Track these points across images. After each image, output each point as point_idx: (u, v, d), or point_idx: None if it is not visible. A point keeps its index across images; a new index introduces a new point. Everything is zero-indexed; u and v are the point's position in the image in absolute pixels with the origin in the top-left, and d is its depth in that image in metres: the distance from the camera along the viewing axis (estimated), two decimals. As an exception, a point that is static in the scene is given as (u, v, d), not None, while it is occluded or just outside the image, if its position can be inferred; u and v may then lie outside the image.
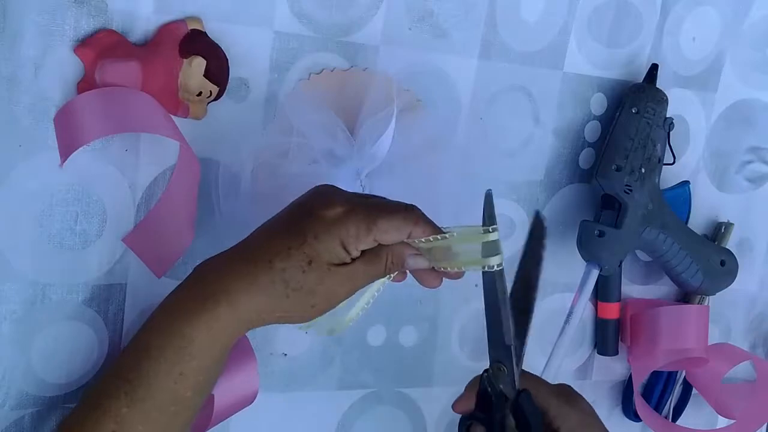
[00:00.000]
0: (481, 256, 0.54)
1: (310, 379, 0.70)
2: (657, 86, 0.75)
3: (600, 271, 0.74)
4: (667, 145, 0.75)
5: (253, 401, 0.64)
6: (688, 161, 0.82)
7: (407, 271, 0.57)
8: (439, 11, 0.68)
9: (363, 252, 0.53)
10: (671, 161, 0.76)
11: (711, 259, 0.79)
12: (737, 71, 0.82)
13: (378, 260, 0.54)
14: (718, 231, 0.85)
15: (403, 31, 0.67)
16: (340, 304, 0.55)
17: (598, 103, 0.76)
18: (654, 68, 0.76)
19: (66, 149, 0.55)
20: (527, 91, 0.73)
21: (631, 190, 0.73)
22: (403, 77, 0.68)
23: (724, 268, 0.80)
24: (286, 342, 0.68)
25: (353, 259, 0.53)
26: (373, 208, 0.53)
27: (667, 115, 0.75)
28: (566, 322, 0.75)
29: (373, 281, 0.56)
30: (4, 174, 0.56)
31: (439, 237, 0.54)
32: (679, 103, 0.80)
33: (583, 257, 0.75)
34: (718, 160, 0.84)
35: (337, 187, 0.55)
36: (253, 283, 0.51)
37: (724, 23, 0.80)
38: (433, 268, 0.56)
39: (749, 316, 0.89)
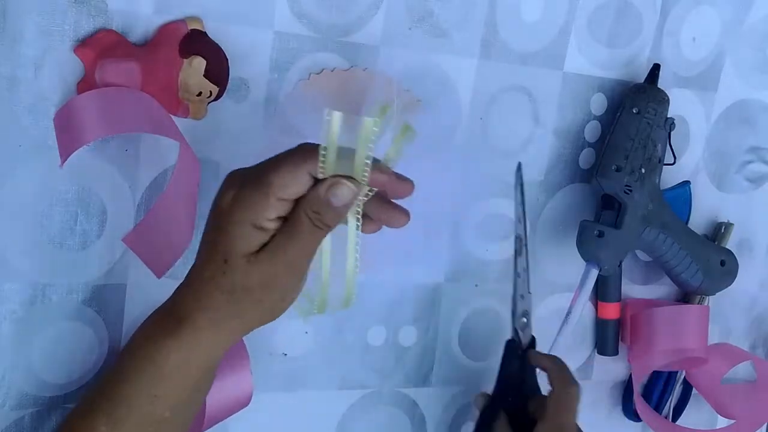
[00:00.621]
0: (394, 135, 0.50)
1: (310, 379, 0.70)
2: (658, 86, 0.75)
3: (600, 271, 0.74)
4: (668, 145, 0.75)
5: (247, 404, 0.64)
6: (688, 161, 0.82)
7: (377, 220, 0.53)
8: (439, 11, 0.68)
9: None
10: (672, 161, 0.76)
11: (711, 259, 0.79)
12: (737, 71, 0.82)
13: (296, 220, 0.49)
14: (718, 231, 0.84)
15: (403, 31, 0.67)
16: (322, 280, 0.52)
17: (598, 103, 0.76)
18: (656, 68, 0.76)
19: (66, 149, 0.55)
20: (527, 91, 0.73)
21: (631, 191, 0.72)
22: (403, 77, 0.68)
23: (724, 268, 0.80)
24: (286, 342, 0.68)
25: (273, 237, 0.49)
26: (262, 170, 0.49)
27: (668, 116, 0.75)
28: (564, 321, 0.75)
29: (313, 244, 0.50)
30: (4, 174, 0.56)
31: (322, 152, 0.48)
32: (679, 103, 0.80)
33: (582, 257, 0.75)
34: (718, 160, 0.84)
35: (238, 170, 0.51)
36: (200, 301, 0.51)
37: (724, 23, 0.80)
38: (370, 192, 0.50)
39: (749, 316, 0.89)
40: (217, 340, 0.52)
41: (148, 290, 0.62)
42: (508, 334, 0.70)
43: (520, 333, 0.70)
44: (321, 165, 0.49)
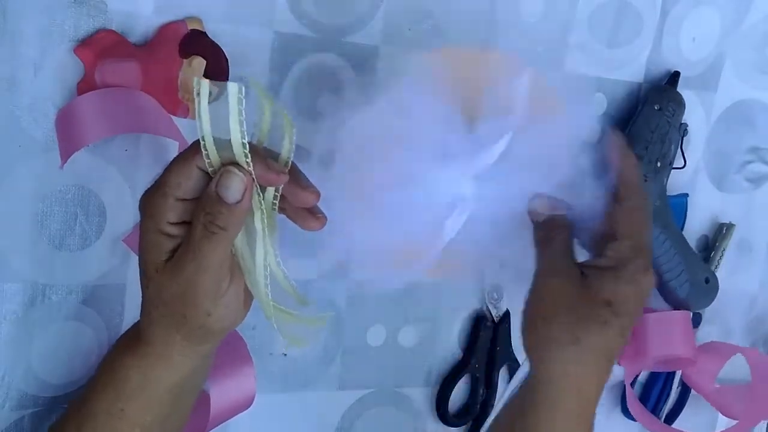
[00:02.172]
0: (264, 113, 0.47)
1: (310, 379, 0.70)
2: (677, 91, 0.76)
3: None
4: (680, 148, 0.76)
5: (250, 406, 0.64)
6: (688, 161, 0.82)
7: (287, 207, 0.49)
8: (439, 11, 0.68)
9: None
10: (681, 165, 0.77)
11: (698, 273, 0.79)
12: (737, 71, 0.82)
13: (191, 228, 0.46)
14: (720, 231, 0.84)
15: (403, 32, 0.67)
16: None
17: (598, 103, 0.76)
18: (676, 75, 0.77)
19: (67, 150, 0.55)
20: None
21: (646, 180, 0.73)
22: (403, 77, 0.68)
23: (708, 286, 0.80)
24: (285, 342, 0.68)
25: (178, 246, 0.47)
26: (159, 178, 0.47)
27: (683, 121, 0.76)
28: None
29: (212, 254, 0.46)
30: (4, 174, 0.56)
31: (202, 145, 0.45)
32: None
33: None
34: (718, 160, 0.84)
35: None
36: (145, 318, 0.50)
37: (723, 23, 0.80)
38: (276, 193, 0.48)
39: (749, 316, 0.89)
40: (173, 358, 0.50)
41: (148, 290, 0.62)
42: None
43: (491, 307, 0.74)
44: (205, 153, 0.45)
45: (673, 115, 0.75)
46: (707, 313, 0.85)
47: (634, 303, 0.55)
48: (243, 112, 0.44)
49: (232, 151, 0.45)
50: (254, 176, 0.46)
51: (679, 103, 0.76)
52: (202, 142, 0.45)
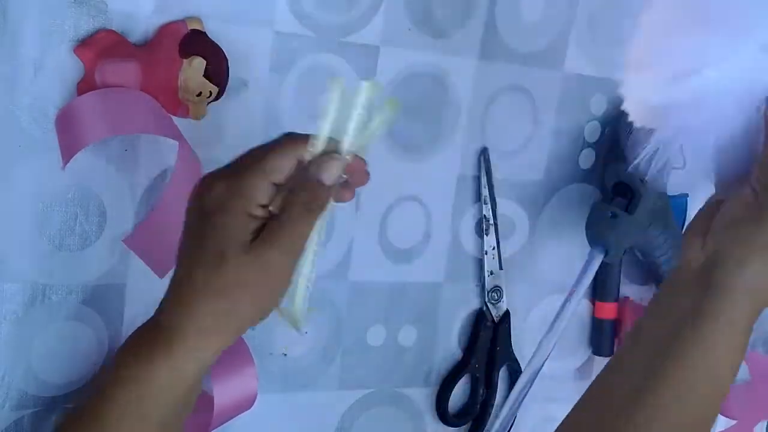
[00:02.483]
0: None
1: (310, 379, 0.70)
2: None
3: (605, 256, 0.73)
4: (681, 149, 0.75)
5: (251, 406, 0.64)
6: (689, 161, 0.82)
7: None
8: (439, 11, 0.68)
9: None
10: (681, 165, 0.76)
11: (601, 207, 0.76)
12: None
13: (289, 205, 0.48)
14: (719, 231, 0.84)
15: (403, 32, 0.67)
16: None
17: (598, 103, 0.76)
18: None
19: (68, 151, 0.55)
20: (527, 91, 0.73)
21: (643, 181, 0.73)
22: (403, 78, 0.68)
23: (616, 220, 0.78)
24: (286, 342, 0.68)
25: (264, 225, 0.48)
26: (252, 158, 0.49)
27: None
28: (563, 307, 0.73)
29: (307, 225, 0.49)
30: (3, 174, 0.56)
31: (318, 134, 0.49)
32: (679, 103, 0.80)
33: (590, 240, 0.74)
34: (718, 160, 0.84)
35: (211, 173, 0.50)
36: (191, 310, 0.49)
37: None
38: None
39: (749, 316, 0.89)
40: (207, 350, 0.50)
41: (148, 290, 0.62)
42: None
43: (491, 307, 0.74)
44: (315, 143, 0.49)
45: None
46: (707, 313, 0.85)
47: None
48: (363, 114, 0.50)
49: (336, 144, 0.50)
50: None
51: None
52: (318, 133, 0.49)
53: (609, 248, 0.73)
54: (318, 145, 0.50)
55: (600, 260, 0.74)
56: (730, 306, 0.52)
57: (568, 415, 0.55)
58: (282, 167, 0.49)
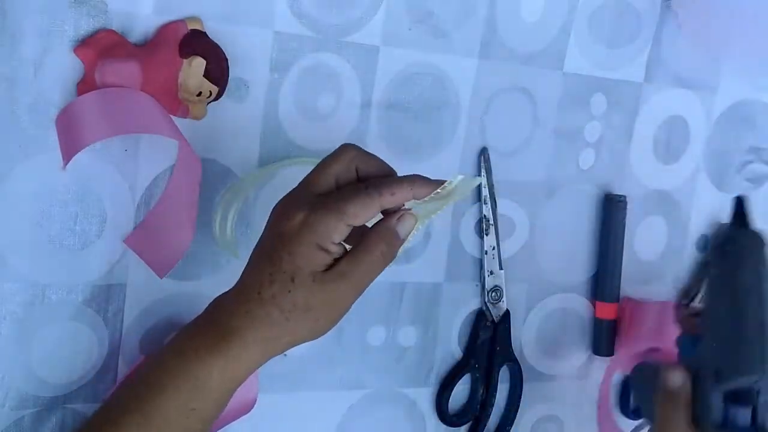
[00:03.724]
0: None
1: (310, 379, 0.70)
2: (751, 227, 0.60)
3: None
4: None
5: (251, 409, 0.64)
6: (688, 161, 0.82)
7: None
8: (439, 11, 0.68)
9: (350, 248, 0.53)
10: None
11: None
12: (737, 71, 0.82)
13: (370, 248, 0.52)
14: (719, 231, 0.84)
15: (403, 32, 0.67)
16: None
17: (598, 103, 0.76)
18: (740, 205, 0.61)
19: (68, 151, 0.55)
20: (527, 91, 0.73)
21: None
22: (403, 77, 0.68)
23: None
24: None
25: (339, 259, 0.52)
26: (335, 198, 0.52)
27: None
28: None
29: (379, 269, 0.53)
30: (4, 174, 0.56)
31: (431, 195, 0.52)
32: (679, 103, 0.80)
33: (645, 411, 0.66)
34: (718, 160, 0.84)
35: (293, 197, 0.53)
36: (255, 319, 0.51)
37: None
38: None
39: (749, 316, 0.89)
40: (261, 357, 0.53)
41: (148, 290, 0.62)
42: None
43: (491, 307, 0.74)
44: (417, 207, 0.53)
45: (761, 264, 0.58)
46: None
47: None
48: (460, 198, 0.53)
49: (427, 209, 0.53)
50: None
51: (758, 243, 0.58)
52: (431, 197, 0.52)
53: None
54: (416, 209, 0.53)
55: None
56: None
57: None
58: (362, 214, 0.51)
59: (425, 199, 0.52)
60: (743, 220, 0.60)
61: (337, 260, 0.52)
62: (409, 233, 0.54)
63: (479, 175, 0.72)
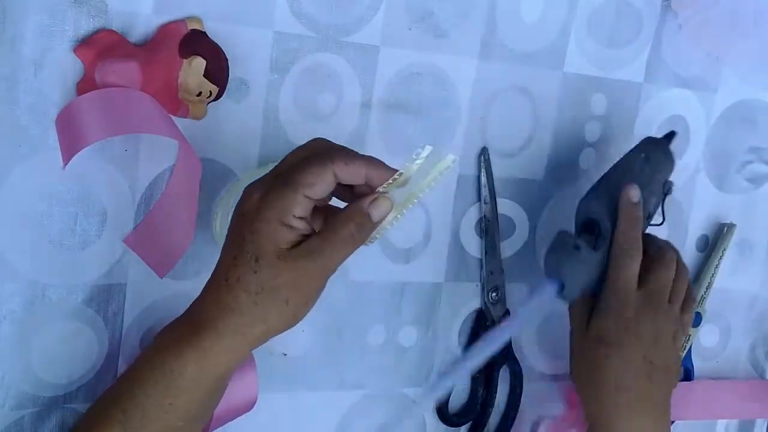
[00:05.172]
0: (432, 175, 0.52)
1: (310, 379, 0.70)
2: (670, 150, 0.73)
3: (559, 291, 0.67)
4: (661, 206, 0.72)
5: (251, 408, 0.64)
6: (688, 161, 0.82)
7: None
8: (439, 11, 0.68)
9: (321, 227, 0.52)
10: (659, 222, 0.73)
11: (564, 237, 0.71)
12: (737, 71, 0.82)
13: (338, 226, 0.51)
14: (720, 231, 0.85)
15: (403, 31, 0.67)
16: None
17: (598, 103, 0.76)
18: (672, 134, 0.74)
19: (68, 151, 0.55)
20: (527, 91, 0.73)
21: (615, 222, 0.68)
22: (403, 77, 0.68)
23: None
24: (285, 342, 0.68)
25: (307, 236, 0.50)
26: (288, 170, 0.51)
27: (670, 179, 0.72)
28: (497, 331, 0.66)
29: (348, 250, 0.51)
30: (3, 174, 0.56)
31: (395, 177, 0.51)
32: (679, 103, 0.80)
33: (546, 270, 0.68)
34: (718, 160, 0.84)
35: (256, 180, 0.52)
36: (224, 307, 0.51)
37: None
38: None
39: (749, 316, 0.89)
40: (237, 348, 0.52)
41: (148, 290, 0.62)
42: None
43: (491, 307, 0.74)
44: (389, 184, 0.51)
45: (658, 167, 0.71)
46: (707, 313, 0.85)
47: (617, 332, 0.67)
48: (439, 180, 0.52)
49: (401, 195, 0.52)
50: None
51: (668, 159, 0.72)
52: (398, 174, 0.51)
53: (566, 282, 0.66)
54: (387, 187, 0.51)
55: (551, 294, 0.67)
56: None
57: None
58: (317, 182, 0.50)
59: (386, 185, 0.51)
60: (670, 140, 0.74)
61: (305, 239, 0.50)
62: (383, 217, 0.52)
63: (479, 174, 0.72)
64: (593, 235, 0.69)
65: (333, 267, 0.51)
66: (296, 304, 0.51)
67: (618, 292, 0.67)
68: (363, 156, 0.51)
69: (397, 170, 0.51)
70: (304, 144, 0.53)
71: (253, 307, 0.50)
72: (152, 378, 0.52)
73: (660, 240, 0.71)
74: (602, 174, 0.71)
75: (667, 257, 0.69)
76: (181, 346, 0.51)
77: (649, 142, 0.73)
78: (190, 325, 0.52)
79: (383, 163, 0.51)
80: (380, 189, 0.51)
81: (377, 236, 0.53)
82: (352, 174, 0.50)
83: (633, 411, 0.66)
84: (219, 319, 0.51)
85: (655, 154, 0.71)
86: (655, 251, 0.69)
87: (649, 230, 0.71)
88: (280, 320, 0.52)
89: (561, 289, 0.66)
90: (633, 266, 0.67)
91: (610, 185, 0.70)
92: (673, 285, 0.69)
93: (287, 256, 0.50)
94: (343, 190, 0.52)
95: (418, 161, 0.51)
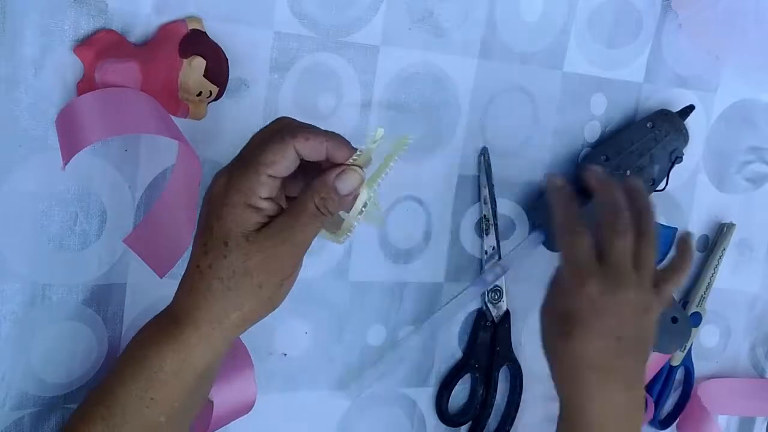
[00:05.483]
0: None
1: (310, 379, 0.70)
2: (684, 124, 0.76)
3: (545, 242, 0.72)
4: (667, 174, 0.75)
5: (250, 410, 0.64)
6: (688, 161, 0.82)
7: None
8: (439, 11, 0.68)
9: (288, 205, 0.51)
10: (662, 188, 0.75)
11: (664, 312, 0.70)
12: (737, 71, 0.82)
13: (302, 203, 0.50)
14: (720, 231, 0.85)
15: (403, 31, 0.67)
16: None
17: (598, 103, 0.76)
18: (690, 108, 0.77)
19: (68, 151, 0.55)
20: (527, 91, 0.73)
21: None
22: (403, 77, 0.68)
23: (675, 326, 0.77)
24: (285, 342, 0.68)
25: (273, 217, 0.50)
26: (249, 151, 0.50)
27: (681, 153, 0.75)
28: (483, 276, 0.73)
29: (315, 225, 0.51)
30: (3, 174, 0.56)
31: (355, 157, 0.50)
32: (680, 103, 0.80)
33: (531, 217, 0.75)
34: (718, 160, 0.84)
35: (223, 168, 0.52)
36: (198, 296, 0.50)
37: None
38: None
39: (749, 316, 0.89)
40: (215, 337, 0.51)
41: (148, 290, 0.62)
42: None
43: (491, 307, 0.74)
44: (354, 159, 0.51)
45: (665, 136, 0.75)
46: (707, 313, 0.85)
47: (579, 310, 0.62)
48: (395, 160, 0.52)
49: (367, 158, 0.52)
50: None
51: (678, 130, 0.75)
52: (358, 154, 0.51)
53: (549, 232, 0.70)
54: (352, 160, 0.51)
55: (536, 241, 0.72)
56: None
57: None
58: (278, 161, 0.49)
59: (351, 161, 0.51)
60: (685, 116, 0.77)
61: (272, 220, 0.50)
62: (352, 190, 0.51)
63: (479, 174, 0.72)
64: (585, 196, 0.67)
65: (302, 245, 0.51)
66: (270, 287, 0.51)
67: (573, 272, 0.62)
68: (325, 131, 0.51)
69: (357, 149, 0.51)
70: (268, 124, 0.52)
71: (226, 293, 0.50)
72: (132, 372, 0.52)
73: (617, 205, 0.63)
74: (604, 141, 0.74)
75: (619, 226, 0.62)
76: (160, 339, 0.51)
77: (659, 113, 0.76)
78: (168, 317, 0.52)
79: (344, 139, 0.51)
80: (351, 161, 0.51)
81: (348, 233, 0.53)
82: (314, 149, 0.50)
83: (602, 389, 0.62)
84: (194, 308, 0.51)
85: (662, 124, 0.75)
86: (609, 222, 0.63)
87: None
88: (256, 305, 0.51)
89: (546, 240, 0.72)
90: (579, 242, 0.62)
91: (609, 148, 0.74)
92: (637, 250, 0.62)
93: (255, 238, 0.49)
94: (312, 170, 0.52)
95: (374, 143, 0.51)
